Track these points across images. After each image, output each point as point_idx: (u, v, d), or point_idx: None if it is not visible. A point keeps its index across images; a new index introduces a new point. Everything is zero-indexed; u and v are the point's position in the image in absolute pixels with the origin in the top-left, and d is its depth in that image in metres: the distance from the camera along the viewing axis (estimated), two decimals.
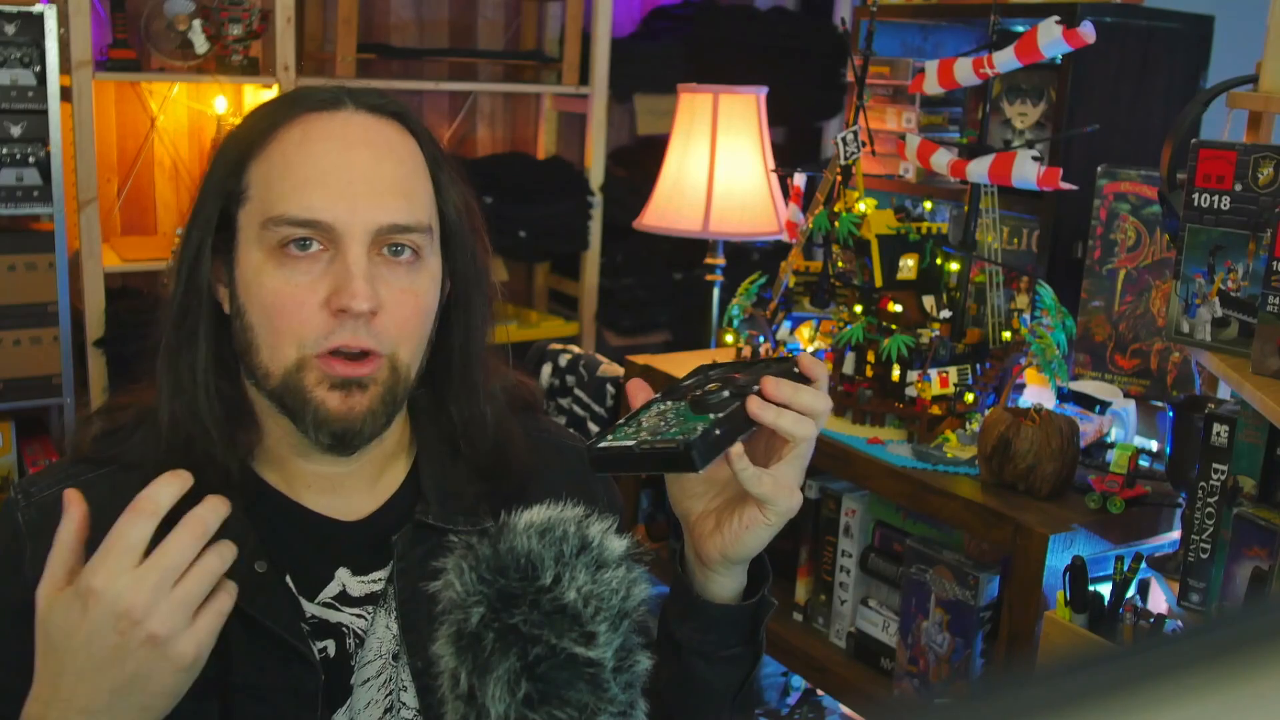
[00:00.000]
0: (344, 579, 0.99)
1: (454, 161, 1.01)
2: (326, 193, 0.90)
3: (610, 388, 2.51)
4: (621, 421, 0.93)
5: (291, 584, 0.96)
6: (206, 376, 0.94)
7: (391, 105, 0.97)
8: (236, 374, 0.97)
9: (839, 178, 2.08)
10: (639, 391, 0.98)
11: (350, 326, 0.90)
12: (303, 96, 0.96)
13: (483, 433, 1.03)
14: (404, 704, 0.97)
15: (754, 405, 0.88)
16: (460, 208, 0.99)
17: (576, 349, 2.69)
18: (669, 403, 0.94)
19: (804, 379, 0.93)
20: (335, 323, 0.90)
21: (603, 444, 0.89)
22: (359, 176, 0.91)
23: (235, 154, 0.95)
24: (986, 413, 1.81)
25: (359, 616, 0.98)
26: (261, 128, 0.94)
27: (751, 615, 1.01)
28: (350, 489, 1.00)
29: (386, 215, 0.92)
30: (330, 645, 0.97)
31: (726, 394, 0.91)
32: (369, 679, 0.97)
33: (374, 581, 0.99)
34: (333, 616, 0.97)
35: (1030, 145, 2.11)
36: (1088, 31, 1.67)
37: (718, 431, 0.85)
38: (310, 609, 0.97)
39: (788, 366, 0.95)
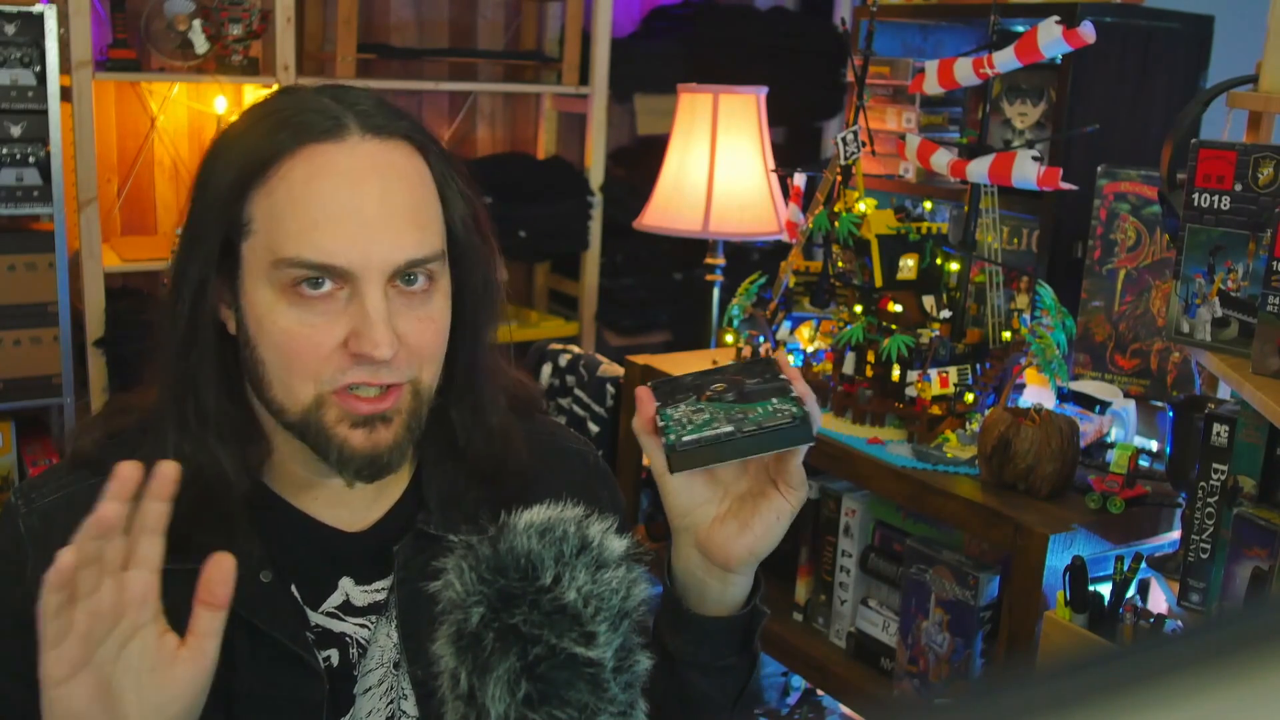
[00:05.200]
0: (347, 589, 0.98)
1: (459, 168, 0.98)
2: (339, 235, 0.87)
3: (610, 388, 2.51)
4: (666, 424, 0.94)
5: (296, 594, 0.96)
6: (216, 414, 0.92)
7: (399, 127, 0.92)
8: (243, 391, 0.95)
9: (839, 178, 2.08)
10: (646, 397, 0.98)
11: (369, 367, 0.89)
12: (304, 124, 0.89)
13: (485, 437, 1.02)
14: (404, 712, 0.97)
15: (803, 387, 0.95)
16: (466, 219, 0.97)
17: (576, 349, 2.69)
18: (684, 407, 0.95)
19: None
20: (353, 361, 0.89)
21: (689, 438, 0.91)
22: (372, 215, 0.88)
23: (233, 178, 0.89)
24: (986, 413, 1.81)
25: (362, 626, 0.98)
26: (261, 156, 0.89)
27: (744, 626, 1.01)
28: (355, 499, 1.00)
29: (402, 253, 0.89)
30: (334, 655, 0.97)
31: (748, 390, 0.96)
32: (370, 688, 0.97)
33: (377, 591, 0.99)
34: (336, 626, 0.97)
35: (1030, 145, 2.11)
36: (1088, 31, 1.67)
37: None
38: (314, 618, 0.97)
39: (772, 366, 1.00)
